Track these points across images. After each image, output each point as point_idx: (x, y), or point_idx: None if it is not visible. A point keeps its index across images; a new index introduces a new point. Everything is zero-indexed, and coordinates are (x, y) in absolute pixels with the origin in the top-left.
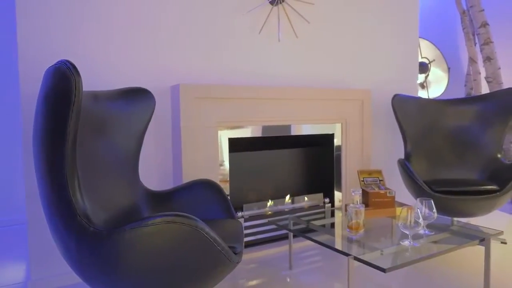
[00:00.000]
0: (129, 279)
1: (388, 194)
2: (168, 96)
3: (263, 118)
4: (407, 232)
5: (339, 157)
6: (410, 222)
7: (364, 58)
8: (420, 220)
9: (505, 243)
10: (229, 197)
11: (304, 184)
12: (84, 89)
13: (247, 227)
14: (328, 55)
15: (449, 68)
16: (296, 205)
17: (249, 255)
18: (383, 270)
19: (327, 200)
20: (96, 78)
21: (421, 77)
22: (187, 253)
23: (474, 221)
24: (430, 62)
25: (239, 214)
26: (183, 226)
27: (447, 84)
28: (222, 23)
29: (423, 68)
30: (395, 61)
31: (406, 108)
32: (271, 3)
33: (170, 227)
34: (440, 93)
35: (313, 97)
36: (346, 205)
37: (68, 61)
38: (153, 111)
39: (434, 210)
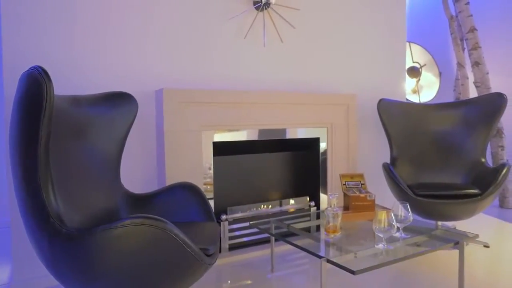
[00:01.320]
0: (101, 280)
1: (368, 198)
2: (153, 100)
3: (248, 122)
4: (381, 235)
5: (325, 161)
6: (384, 225)
7: (351, 63)
8: (394, 223)
9: (488, 246)
10: (213, 200)
11: (290, 187)
12: (69, 93)
13: (231, 230)
14: (314, 60)
15: (440, 73)
16: (281, 208)
17: (233, 258)
18: (352, 272)
19: (312, 203)
20: (82, 82)
21: (412, 82)
22: (157, 254)
23: (460, 224)
24: (421, 67)
25: (223, 217)
26: (152, 228)
27: (439, 89)
28: (207, 28)
29: (415, 72)
30: (383, 65)
31: (391, 113)
32: (257, 8)
33: (139, 229)
34: (432, 97)
35: (298, 102)
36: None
37: (40, 67)
38: (135, 115)
39: (410, 213)
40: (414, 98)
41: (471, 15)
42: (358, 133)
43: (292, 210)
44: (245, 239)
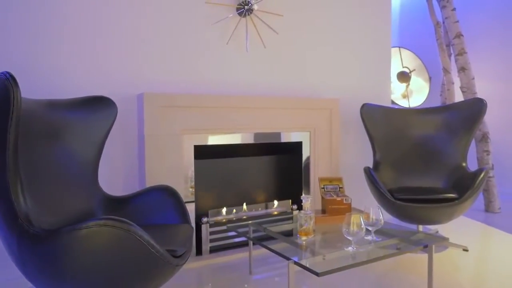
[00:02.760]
0: (69, 281)
1: (344, 201)
2: (136, 104)
3: (230, 126)
4: (350, 238)
5: (307, 165)
6: (353, 228)
7: (336, 68)
8: (363, 226)
9: (467, 250)
10: (194, 204)
11: (273, 191)
12: (51, 98)
13: (212, 233)
14: (297, 65)
15: (430, 78)
16: (264, 212)
17: (214, 260)
18: (316, 274)
19: (294, 206)
20: (65, 86)
21: (402, 87)
22: (122, 255)
23: (443, 228)
24: (410, 72)
25: (204, 219)
26: (115, 230)
27: (428, 94)
28: (190, 33)
29: (404, 77)
30: (368, 70)
31: (374, 117)
32: (240, 14)
33: (103, 230)
34: (421, 102)
35: (281, 106)
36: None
37: (8, 72)
38: (114, 120)
39: (381, 217)
40: (404, 103)
41: (458, 21)
42: (343, 137)
43: (275, 213)
44: (226, 241)
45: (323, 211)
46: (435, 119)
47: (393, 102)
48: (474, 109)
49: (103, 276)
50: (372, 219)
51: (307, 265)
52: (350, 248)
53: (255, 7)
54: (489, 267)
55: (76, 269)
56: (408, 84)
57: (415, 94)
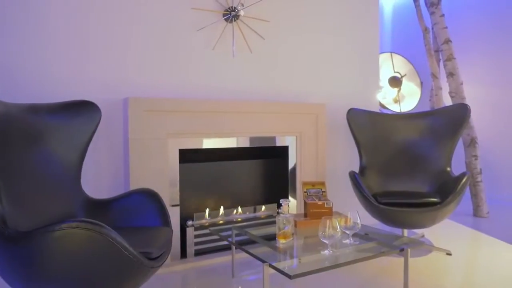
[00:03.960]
0: (44, 282)
1: (325, 205)
2: (121, 108)
3: (216, 131)
4: (326, 242)
5: (294, 169)
6: (329, 232)
7: (324, 73)
8: (338, 229)
9: (450, 254)
10: (179, 207)
11: (259, 194)
12: (37, 102)
13: (197, 236)
14: (284, 70)
15: (422, 83)
16: (249, 215)
17: (199, 263)
18: (289, 276)
19: (280, 210)
20: (53, 91)
21: (394, 91)
22: (95, 257)
23: (429, 233)
24: (402, 77)
25: (189, 223)
26: (88, 232)
27: (420, 98)
28: (177, 38)
29: (396, 82)
30: (356, 76)
31: (360, 122)
32: (226, 20)
33: (76, 232)
34: (413, 106)
35: (267, 111)
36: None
37: None
38: (97, 123)
39: (359, 220)
40: (395, 108)
41: (446, 27)
42: (331, 141)
43: (261, 216)
44: (212, 244)
45: (306, 215)
46: (421, 124)
47: (384, 107)
48: (458, 114)
49: (78, 277)
50: (350, 223)
51: (281, 268)
52: (326, 252)
53: (241, 13)
54: (470, 271)
55: (50, 270)
56: (400, 89)
57: (407, 99)
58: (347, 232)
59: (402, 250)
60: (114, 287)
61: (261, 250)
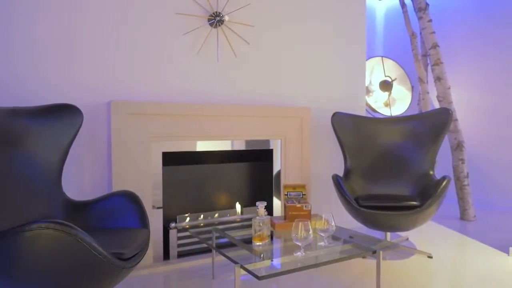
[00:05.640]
0: (15, 282)
1: (304, 208)
2: (106, 112)
3: (200, 134)
4: (299, 244)
5: (278, 172)
6: (301, 234)
7: (310, 77)
8: (310, 232)
9: (431, 257)
10: (162, 209)
11: (243, 197)
12: (21, 105)
13: (181, 238)
14: (269, 75)
15: (412, 87)
16: (233, 217)
17: (181, 265)
18: (257, 277)
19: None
20: (37, 93)
21: (384, 95)
22: (65, 258)
23: (413, 236)
24: (392, 81)
25: (172, 225)
26: (57, 232)
27: (411, 102)
28: (161, 43)
29: (386, 86)
30: (343, 80)
31: (345, 126)
32: (211, 25)
33: (45, 232)
34: (404, 110)
35: (251, 114)
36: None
37: None
38: (79, 127)
39: (333, 223)
40: (386, 111)
41: (434, 32)
42: (316, 145)
43: (245, 219)
44: (195, 246)
45: (285, 217)
46: (404, 128)
47: (375, 111)
48: (441, 118)
49: (48, 277)
50: (324, 225)
51: (251, 269)
52: (299, 253)
53: (226, 18)
54: (448, 274)
55: (21, 270)
56: (390, 93)
57: (398, 103)
58: (322, 234)
59: (374, 252)
60: (85, 287)
61: (239, 252)
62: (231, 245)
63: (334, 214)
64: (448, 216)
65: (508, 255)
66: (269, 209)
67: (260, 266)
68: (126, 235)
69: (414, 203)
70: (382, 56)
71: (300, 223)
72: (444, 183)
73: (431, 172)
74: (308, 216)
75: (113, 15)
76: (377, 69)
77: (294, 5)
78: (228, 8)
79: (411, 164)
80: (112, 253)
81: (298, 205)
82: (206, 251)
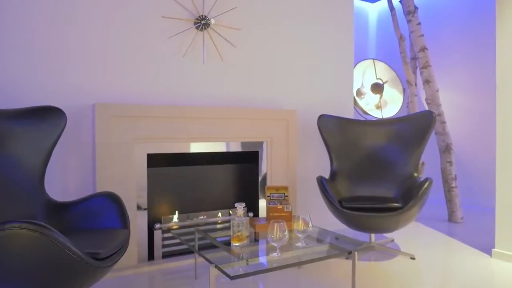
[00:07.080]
0: None
1: (285, 209)
2: (91, 114)
3: (185, 136)
4: (275, 245)
5: (264, 174)
6: (277, 235)
7: (296, 80)
8: (286, 233)
9: (414, 258)
10: (146, 210)
11: (229, 198)
12: (4, 107)
13: (166, 239)
14: (255, 77)
15: (404, 89)
16: (218, 219)
17: (166, 265)
18: (230, 277)
19: (251, 214)
20: (22, 95)
21: (376, 98)
22: (40, 257)
23: (399, 237)
24: (383, 83)
25: (157, 226)
26: (31, 232)
27: (402, 105)
28: (147, 45)
29: (378, 88)
30: (329, 83)
31: (331, 128)
32: (197, 28)
33: (19, 232)
34: (395, 112)
35: (236, 116)
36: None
37: None
38: (62, 129)
39: (310, 224)
40: (377, 114)
41: (423, 35)
42: (302, 147)
43: (229, 220)
44: (179, 247)
45: (266, 218)
46: (389, 130)
47: (366, 113)
48: (425, 121)
49: (24, 277)
50: (301, 226)
51: (225, 270)
52: (274, 254)
53: (212, 21)
54: (428, 275)
55: None
56: (381, 95)
57: (389, 105)
58: (299, 235)
59: (350, 253)
60: (61, 287)
61: (219, 253)
62: (213, 246)
63: (320, 216)
64: (436, 218)
65: (491, 257)
66: (255, 210)
67: (236, 266)
68: (105, 235)
69: (397, 204)
70: (373, 59)
71: (276, 224)
72: (426, 185)
73: (415, 174)
74: (289, 217)
75: (99, 19)
76: (369, 72)
77: (281, 8)
78: (214, 12)
79: (396, 166)
80: (87, 253)
81: (279, 206)
82: (191, 251)
